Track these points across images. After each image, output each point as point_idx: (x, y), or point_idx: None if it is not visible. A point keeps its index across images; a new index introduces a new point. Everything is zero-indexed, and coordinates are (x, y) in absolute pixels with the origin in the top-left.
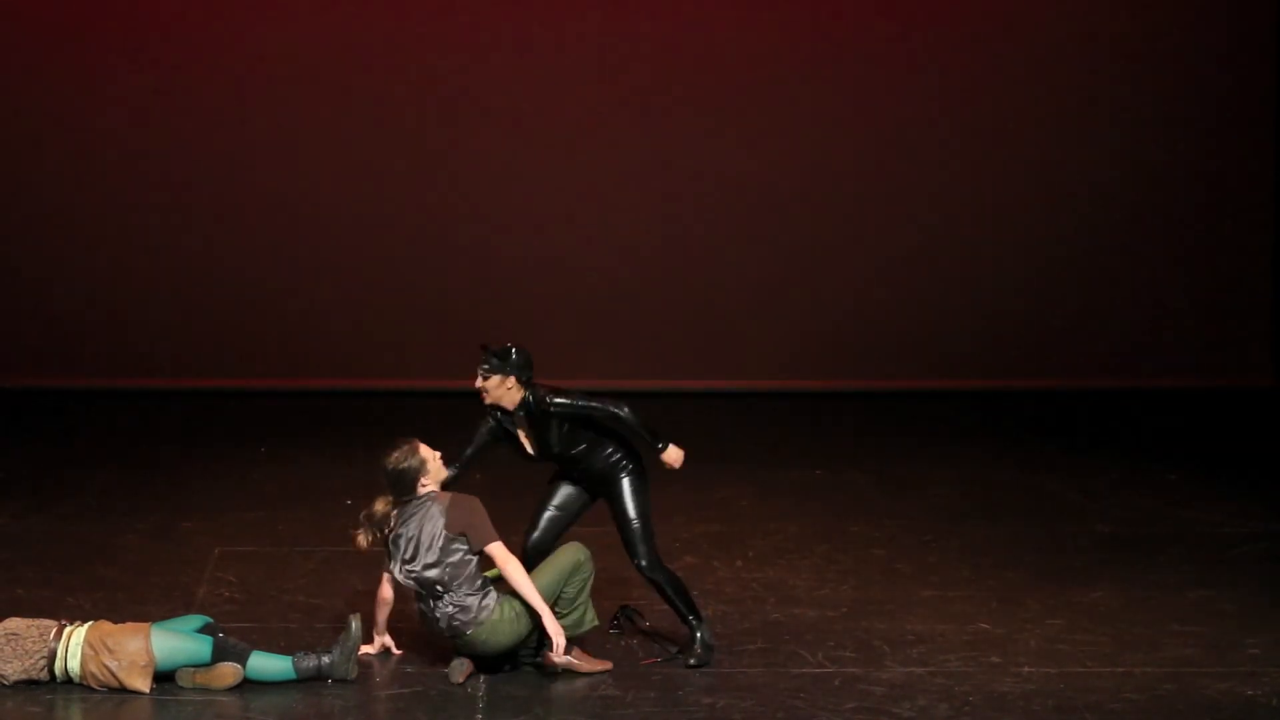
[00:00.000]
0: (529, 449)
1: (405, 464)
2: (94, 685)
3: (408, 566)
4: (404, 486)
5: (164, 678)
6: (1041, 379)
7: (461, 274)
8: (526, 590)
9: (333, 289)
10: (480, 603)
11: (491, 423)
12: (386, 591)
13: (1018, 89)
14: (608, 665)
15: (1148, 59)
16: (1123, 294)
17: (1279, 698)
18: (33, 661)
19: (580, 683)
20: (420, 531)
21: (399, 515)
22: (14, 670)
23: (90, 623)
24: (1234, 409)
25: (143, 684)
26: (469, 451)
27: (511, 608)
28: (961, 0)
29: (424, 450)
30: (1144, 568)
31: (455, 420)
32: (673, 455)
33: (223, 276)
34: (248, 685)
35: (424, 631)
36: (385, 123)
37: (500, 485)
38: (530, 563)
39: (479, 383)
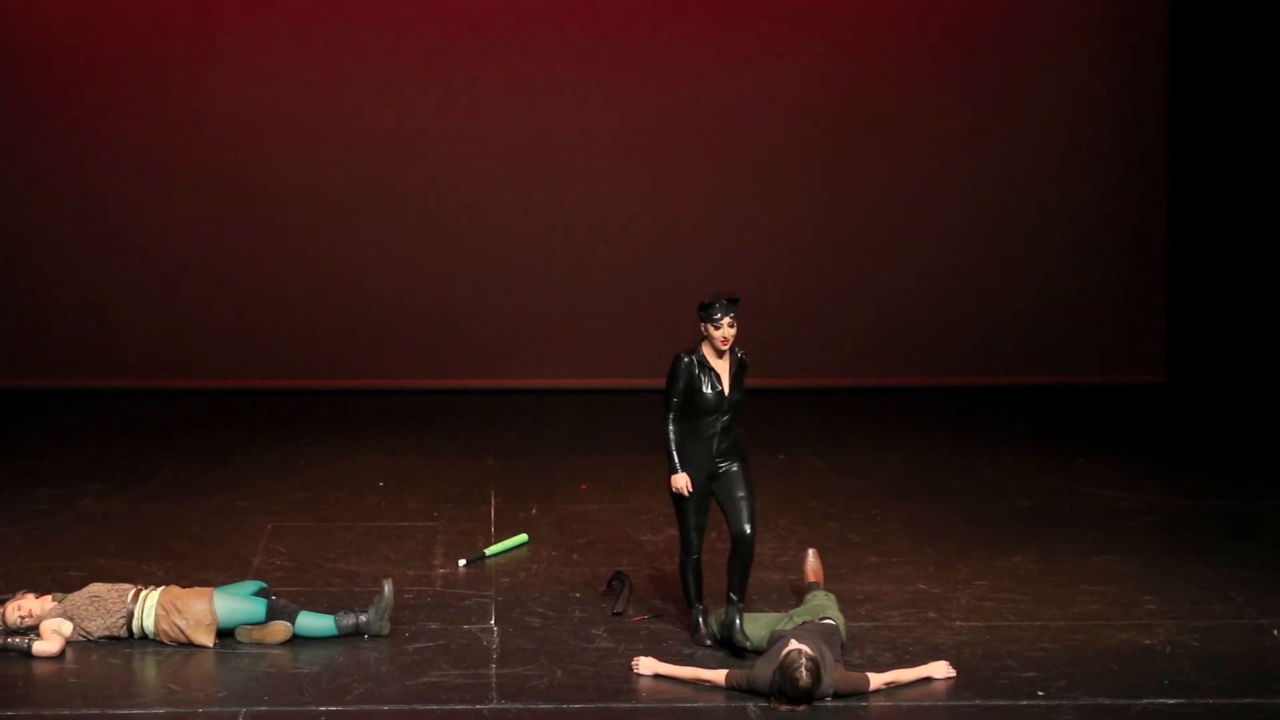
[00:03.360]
0: (724, 386)
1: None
2: (165, 641)
3: None
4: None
5: (225, 634)
6: (966, 376)
7: (484, 279)
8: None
9: (366, 298)
10: None
11: (686, 364)
12: None
13: (908, 91)
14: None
15: (1040, 62)
16: (1031, 299)
17: (1171, 645)
18: (113, 620)
19: (579, 637)
20: None
21: None
22: (97, 628)
23: (162, 587)
24: (1133, 402)
25: (207, 640)
26: (679, 398)
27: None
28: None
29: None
30: (1057, 537)
31: (481, 415)
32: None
33: (275, 287)
34: (297, 640)
35: (443, 592)
36: (397, 129)
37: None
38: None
39: (731, 325)
